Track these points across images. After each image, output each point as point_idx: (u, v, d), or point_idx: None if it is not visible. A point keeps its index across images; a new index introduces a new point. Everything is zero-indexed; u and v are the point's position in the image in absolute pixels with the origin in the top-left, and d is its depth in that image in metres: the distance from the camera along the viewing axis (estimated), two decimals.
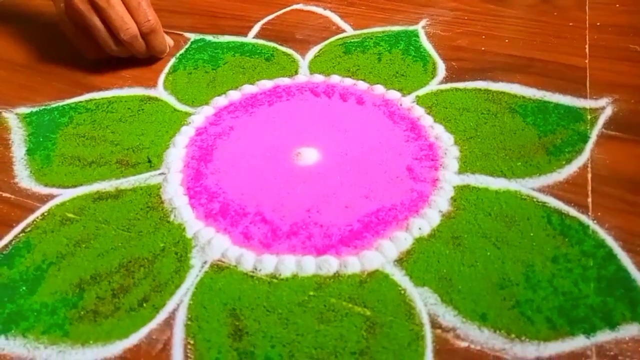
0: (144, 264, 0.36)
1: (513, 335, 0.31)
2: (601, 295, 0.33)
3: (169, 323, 0.32)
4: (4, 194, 0.42)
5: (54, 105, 0.51)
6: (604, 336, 0.30)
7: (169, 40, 0.57)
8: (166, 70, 0.56)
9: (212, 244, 0.37)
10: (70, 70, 0.56)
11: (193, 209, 0.40)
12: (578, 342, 0.30)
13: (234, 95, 0.51)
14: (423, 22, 0.61)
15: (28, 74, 0.56)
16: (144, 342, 0.31)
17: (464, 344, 0.31)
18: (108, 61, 0.55)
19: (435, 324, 0.32)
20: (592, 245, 0.35)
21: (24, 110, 0.51)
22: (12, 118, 0.50)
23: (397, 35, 0.59)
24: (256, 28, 0.62)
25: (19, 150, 0.46)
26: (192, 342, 0.31)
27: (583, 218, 0.37)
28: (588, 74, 0.52)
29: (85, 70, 0.56)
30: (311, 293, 0.34)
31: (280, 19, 0.64)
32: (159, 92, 0.52)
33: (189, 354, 0.31)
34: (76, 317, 0.33)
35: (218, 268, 0.35)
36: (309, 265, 0.35)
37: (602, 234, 0.36)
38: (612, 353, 0.30)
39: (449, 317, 0.32)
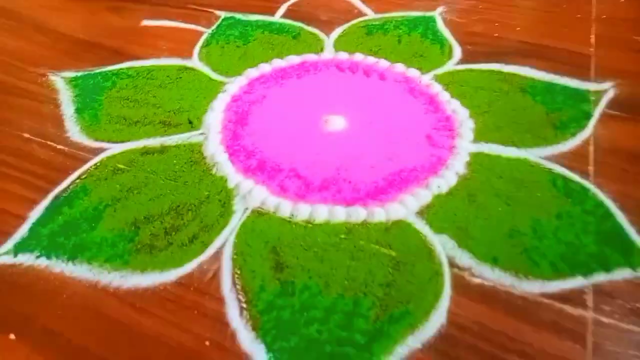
0: (191, 208, 0.40)
1: (521, 275, 0.35)
2: (599, 245, 0.37)
3: (217, 256, 0.36)
4: (59, 146, 0.46)
5: (97, 71, 0.55)
6: (600, 277, 0.35)
7: None
8: (200, 43, 0.59)
9: (252, 194, 0.41)
10: (109, 40, 0.60)
11: (233, 164, 0.44)
12: (577, 282, 0.35)
13: (265, 67, 0.55)
14: (440, 9, 0.65)
15: (70, 42, 0.60)
16: (196, 270, 0.36)
17: (478, 281, 0.35)
18: (145, 33, 0.59)
19: (452, 264, 0.36)
20: (593, 205, 0.40)
21: (69, 74, 0.55)
22: (59, 81, 0.54)
23: (415, 20, 0.63)
24: (283, 9, 0.66)
25: (68, 109, 0.50)
26: (238, 272, 0.35)
27: (585, 183, 0.42)
28: (593, 60, 0.56)
29: (123, 41, 0.59)
30: (342, 236, 0.38)
31: (305, 1, 0.68)
32: (195, 62, 0.56)
33: (236, 282, 0.35)
34: (134, 250, 0.37)
35: (258, 214, 0.40)
36: (340, 213, 0.39)
37: (602, 196, 0.40)
38: (607, 289, 0.34)
39: (464, 259, 0.36)
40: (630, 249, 0.37)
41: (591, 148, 0.45)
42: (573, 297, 0.34)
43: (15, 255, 0.36)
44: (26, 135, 0.47)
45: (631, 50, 0.57)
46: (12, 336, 0.32)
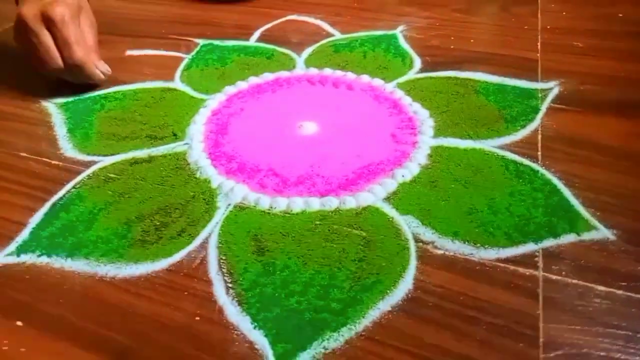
0: (178, 207, 0.44)
1: (478, 245, 0.39)
2: (547, 216, 0.41)
3: (203, 246, 0.40)
4: (53, 162, 0.49)
5: (86, 96, 0.59)
6: (549, 243, 0.39)
7: (104, 68, 0.58)
8: (181, 68, 0.64)
9: (234, 191, 0.45)
10: None
11: (215, 168, 0.48)
12: (528, 247, 0.39)
13: (242, 85, 0.60)
14: (401, 27, 0.72)
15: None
16: (185, 259, 0.39)
17: (440, 252, 0.39)
18: (129, 61, 0.64)
19: (417, 239, 0.40)
20: (541, 184, 0.44)
21: (60, 100, 0.59)
22: (51, 106, 0.58)
23: (379, 38, 0.69)
24: (257, 34, 0.72)
25: (60, 130, 0.54)
26: (224, 257, 0.39)
27: (534, 165, 0.46)
28: (540, 64, 0.62)
29: (111, 68, 0.64)
30: (317, 222, 0.42)
31: (278, 27, 0.74)
32: (177, 84, 0.61)
33: (222, 266, 0.38)
34: (127, 245, 0.40)
35: (240, 208, 0.43)
36: (315, 203, 0.43)
37: (549, 175, 0.45)
38: (555, 252, 0.38)
39: (428, 234, 0.40)
40: (575, 218, 0.41)
41: (539, 136, 0.50)
42: (525, 260, 0.38)
43: (18, 255, 0.40)
44: (22, 154, 0.50)
45: (572, 53, 0.64)
46: (18, 323, 0.35)
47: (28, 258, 0.39)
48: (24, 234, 0.41)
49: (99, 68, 0.57)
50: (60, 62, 0.54)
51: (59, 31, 0.53)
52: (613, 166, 0.46)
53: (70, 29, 0.54)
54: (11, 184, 0.46)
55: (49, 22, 0.53)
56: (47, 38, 0.53)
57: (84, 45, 0.55)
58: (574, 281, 0.36)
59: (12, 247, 0.40)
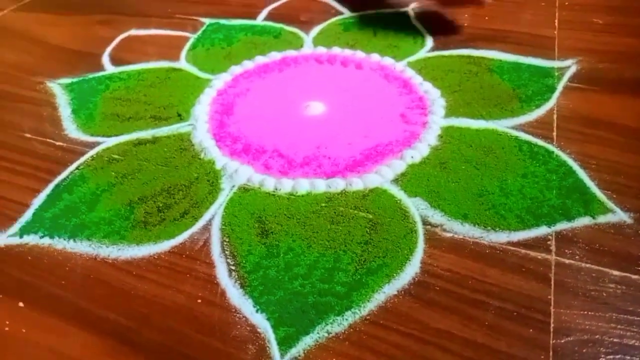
0: (182, 189, 0.43)
1: (489, 228, 0.38)
2: (561, 198, 0.40)
3: (207, 227, 0.39)
4: (57, 143, 0.49)
5: (91, 76, 0.58)
6: (562, 226, 0.38)
7: None
8: (186, 47, 0.63)
9: (239, 172, 0.44)
10: (100, 49, 0.64)
11: (220, 149, 0.47)
12: (541, 231, 0.37)
13: (248, 64, 0.59)
14: (413, 5, 0.69)
15: (65, 53, 0.64)
16: (188, 240, 0.38)
17: (449, 235, 0.38)
18: (135, 41, 0.63)
19: (425, 222, 0.39)
20: (555, 165, 0.43)
21: (65, 80, 0.58)
22: (56, 87, 0.57)
23: (389, 15, 0.67)
24: (264, 13, 0.70)
25: (65, 110, 0.53)
26: (227, 239, 0.38)
27: (549, 146, 0.45)
28: (556, 42, 0.59)
29: (114, 49, 0.63)
30: (323, 204, 0.41)
31: (285, 5, 0.72)
32: (182, 64, 0.60)
33: (225, 248, 0.37)
34: (130, 226, 0.40)
35: (245, 190, 0.42)
36: (320, 184, 0.42)
37: (564, 156, 0.43)
38: (568, 235, 0.37)
39: (436, 217, 0.39)
40: (590, 201, 0.39)
41: (555, 116, 0.48)
42: (537, 244, 0.36)
43: (21, 236, 0.39)
44: (27, 135, 0.50)
45: (591, 30, 0.61)
46: (20, 304, 0.34)
47: (31, 239, 0.39)
48: (27, 215, 0.41)
49: None
50: None
51: None
52: (631, 147, 0.44)
53: None
54: (15, 165, 0.46)
55: None
56: None
57: None
58: (588, 265, 0.35)
59: (15, 228, 0.40)
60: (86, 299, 0.34)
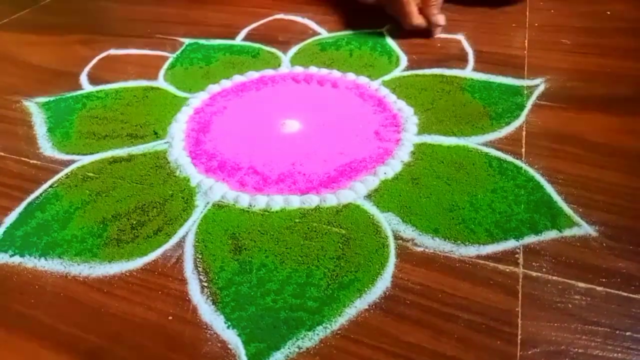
0: (156, 206, 0.43)
1: (459, 242, 0.38)
2: (529, 212, 0.41)
3: (180, 244, 0.39)
4: (32, 161, 0.49)
5: (68, 95, 0.59)
6: (530, 239, 0.38)
7: (438, 20, 0.67)
8: (165, 66, 0.64)
9: (213, 189, 0.44)
10: (79, 68, 0.64)
11: (195, 166, 0.47)
12: (509, 244, 0.38)
13: (226, 83, 0.59)
14: (388, 26, 0.71)
15: (42, 72, 0.64)
16: (160, 258, 0.38)
17: (420, 249, 0.38)
18: (114, 60, 0.64)
19: (397, 237, 0.39)
20: (524, 180, 0.44)
21: (42, 99, 0.58)
22: (32, 106, 0.57)
23: (365, 36, 0.69)
24: (243, 33, 0.71)
25: (40, 129, 0.53)
26: (200, 256, 0.38)
27: (517, 162, 0.46)
28: (526, 61, 0.61)
29: (93, 68, 0.63)
30: (297, 220, 0.41)
31: (264, 25, 0.73)
32: (160, 83, 0.60)
33: (198, 265, 0.38)
34: (102, 244, 0.40)
35: (219, 206, 0.43)
36: (295, 201, 0.43)
37: (532, 172, 0.45)
38: (535, 248, 0.38)
39: (408, 231, 0.40)
40: (557, 215, 0.40)
41: (524, 133, 0.49)
42: (505, 257, 0.37)
43: None
44: (1, 153, 0.50)
45: (559, 50, 0.63)
46: None
47: (0, 258, 0.39)
48: None
49: (434, 18, 0.65)
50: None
51: None
52: (598, 162, 0.45)
53: None
54: None
55: None
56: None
57: None
58: (554, 278, 0.36)
59: None
60: (56, 318, 0.34)
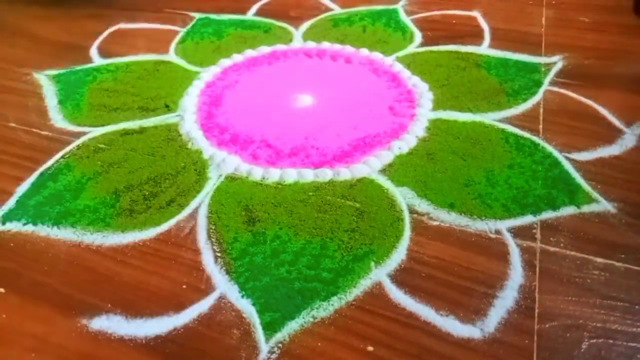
0: (168, 177, 0.43)
1: (475, 216, 0.38)
2: (547, 188, 0.40)
3: (193, 215, 0.39)
4: (43, 132, 0.48)
5: (78, 68, 0.58)
6: (548, 215, 0.38)
7: None
8: (176, 41, 0.63)
9: (226, 162, 0.43)
10: (89, 42, 0.63)
11: (207, 139, 0.47)
12: (527, 219, 0.38)
13: (238, 57, 0.59)
14: (402, 2, 0.70)
15: (53, 45, 0.63)
16: (174, 228, 0.38)
17: (435, 223, 0.38)
18: (124, 34, 0.63)
19: (412, 211, 0.39)
20: (541, 156, 0.43)
21: (52, 72, 0.58)
22: (43, 78, 0.57)
23: (379, 12, 0.68)
24: (254, 8, 0.70)
25: (51, 101, 0.53)
26: (213, 227, 0.38)
27: (535, 138, 0.45)
28: (544, 39, 0.60)
29: (103, 42, 0.63)
30: (310, 193, 0.41)
31: (276, 1, 0.72)
32: (171, 57, 0.60)
33: (211, 235, 0.37)
34: (115, 214, 0.39)
35: (232, 179, 0.42)
36: (308, 174, 0.42)
37: (550, 148, 0.44)
38: (553, 224, 0.37)
39: (423, 206, 0.39)
40: (575, 191, 0.40)
41: (541, 110, 0.48)
42: (523, 232, 0.37)
43: (4, 223, 0.39)
44: (12, 124, 0.49)
45: (577, 28, 0.62)
46: (1, 290, 0.34)
47: (13, 226, 0.39)
48: (10, 203, 0.41)
49: None
50: None
51: None
52: (616, 140, 0.44)
53: None
54: (0, 154, 0.46)
55: None
56: None
57: None
58: (572, 253, 0.35)
59: None
60: (70, 285, 0.34)
